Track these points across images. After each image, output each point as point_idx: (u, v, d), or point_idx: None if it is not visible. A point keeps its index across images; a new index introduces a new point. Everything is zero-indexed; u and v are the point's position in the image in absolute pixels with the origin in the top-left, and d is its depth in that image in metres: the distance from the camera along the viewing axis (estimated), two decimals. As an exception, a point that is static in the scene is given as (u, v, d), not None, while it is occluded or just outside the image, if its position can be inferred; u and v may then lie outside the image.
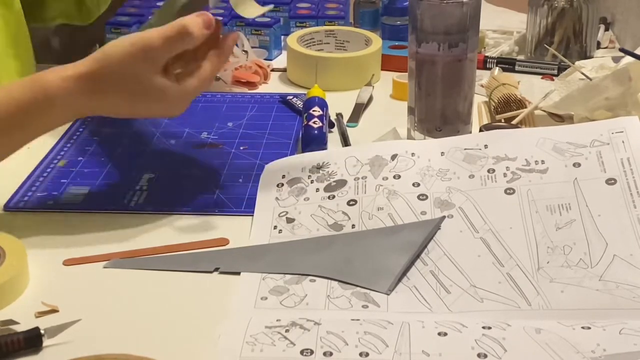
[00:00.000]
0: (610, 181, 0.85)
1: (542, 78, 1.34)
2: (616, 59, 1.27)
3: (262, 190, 0.96)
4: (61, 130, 1.12)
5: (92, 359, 0.70)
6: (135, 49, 0.86)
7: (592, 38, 1.40)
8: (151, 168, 1.04)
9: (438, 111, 1.06)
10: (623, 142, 0.88)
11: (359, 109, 1.21)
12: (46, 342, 0.72)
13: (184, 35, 0.87)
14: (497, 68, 1.32)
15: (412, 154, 0.94)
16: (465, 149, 0.93)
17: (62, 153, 1.07)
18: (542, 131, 0.93)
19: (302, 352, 0.70)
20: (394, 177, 0.92)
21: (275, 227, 0.90)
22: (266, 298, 0.79)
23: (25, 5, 1.15)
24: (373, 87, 1.28)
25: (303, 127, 1.08)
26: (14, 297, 0.79)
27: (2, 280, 0.78)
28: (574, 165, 0.87)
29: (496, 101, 1.15)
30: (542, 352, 0.69)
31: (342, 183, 0.93)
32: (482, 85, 1.23)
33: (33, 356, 0.71)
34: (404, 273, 0.82)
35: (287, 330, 0.72)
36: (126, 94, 0.88)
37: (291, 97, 1.24)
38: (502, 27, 1.55)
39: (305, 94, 1.20)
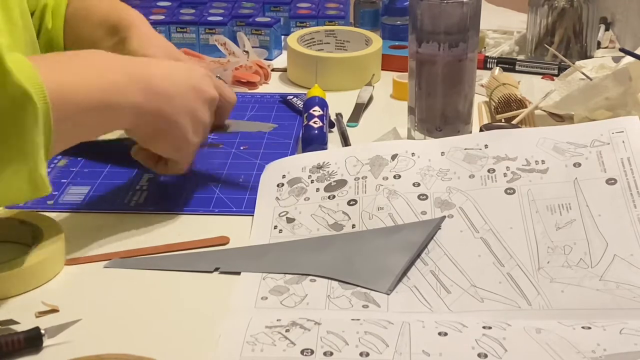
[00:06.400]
0: (611, 181, 0.85)
1: (542, 78, 1.34)
2: (616, 59, 1.27)
3: (262, 190, 0.96)
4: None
5: (92, 359, 0.70)
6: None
7: (592, 38, 1.40)
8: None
9: (438, 111, 1.06)
10: (623, 142, 0.88)
11: (359, 109, 1.21)
12: (46, 342, 0.72)
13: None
14: (498, 68, 1.32)
15: (412, 154, 0.94)
16: (465, 149, 0.93)
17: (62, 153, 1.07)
18: (542, 131, 0.93)
19: (302, 352, 0.70)
20: (394, 177, 0.92)
21: (275, 227, 0.90)
22: (266, 298, 0.79)
23: None
24: (373, 87, 1.28)
25: (303, 127, 1.08)
26: (49, 276, 0.82)
27: (39, 259, 0.80)
28: (574, 165, 0.87)
29: (496, 101, 1.15)
30: (543, 352, 0.69)
31: (342, 183, 0.93)
32: (482, 85, 1.23)
33: (33, 356, 0.71)
34: (404, 273, 0.82)
35: (287, 330, 0.72)
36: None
37: (291, 97, 1.24)
38: (502, 27, 1.56)
39: (305, 94, 1.21)
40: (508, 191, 0.87)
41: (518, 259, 0.81)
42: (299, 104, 1.20)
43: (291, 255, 0.85)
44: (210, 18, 1.45)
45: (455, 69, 1.04)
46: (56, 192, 0.98)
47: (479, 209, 0.86)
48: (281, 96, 1.25)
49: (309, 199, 0.92)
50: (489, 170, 0.90)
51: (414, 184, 0.91)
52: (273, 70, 1.36)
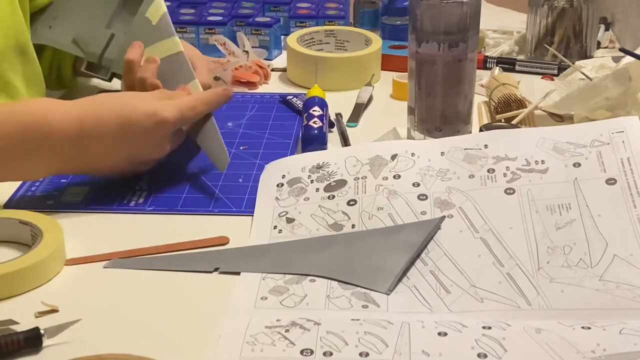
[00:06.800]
0: (610, 181, 0.85)
1: (542, 78, 1.34)
2: (616, 59, 1.27)
3: (262, 190, 0.95)
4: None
5: (92, 359, 0.70)
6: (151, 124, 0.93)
7: (592, 38, 1.40)
8: (151, 168, 1.03)
9: (438, 111, 1.06)
10: (623, 142, 0.88)
11: (359, 109, 1.21)
12: (46, 342, 0.72)
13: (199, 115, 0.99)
14: (497, 68, 1.32)
15: (412, 154, 0.94)
16: (465, 149, 0.93)
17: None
18: (542, 131, 0.93)
19: (302, 352, 0.70)
20: (394, 177, 0.92)
21: (275, 227, 0.90)
22: (266, 298, 0.79)
23: None
24: (373, 87, 1.28)
25: (303, 127, 1.08)
26: (49, 276, 0.82)
27: (39, 259, 0.80)
28: (574, 165, 0.87)
29: (496, 101, 1.15)
30: (542, 352, 0.69)
31: (342, 183, 0.93)
32: (482, 85, 1.23)
33: (33, 356, 0.71)
34: (404, 273, 0.82)
35: (287, 330, 0.72)
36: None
37: (291, 97, 1.24)
38: (502, 27, 1.56)
39: (305, 94, 1.21)
40: (508, 191, 0.87)
41: (518, 259, 0.81)
42: (299, 104, 1.21)
43: (291, 255, 0.85)
44: (210, 18, 1.45)
45: (455, 69, 1.04)
46: (56, 192, 0.98)
47: (479, 209, 0.86)
48: (281, 96, 1.25)
49: (308, 199, 0.92)
50: (488, 170, 0.90)
51: (413, 184, 0.91)
52: (273, 70, 1.36)
